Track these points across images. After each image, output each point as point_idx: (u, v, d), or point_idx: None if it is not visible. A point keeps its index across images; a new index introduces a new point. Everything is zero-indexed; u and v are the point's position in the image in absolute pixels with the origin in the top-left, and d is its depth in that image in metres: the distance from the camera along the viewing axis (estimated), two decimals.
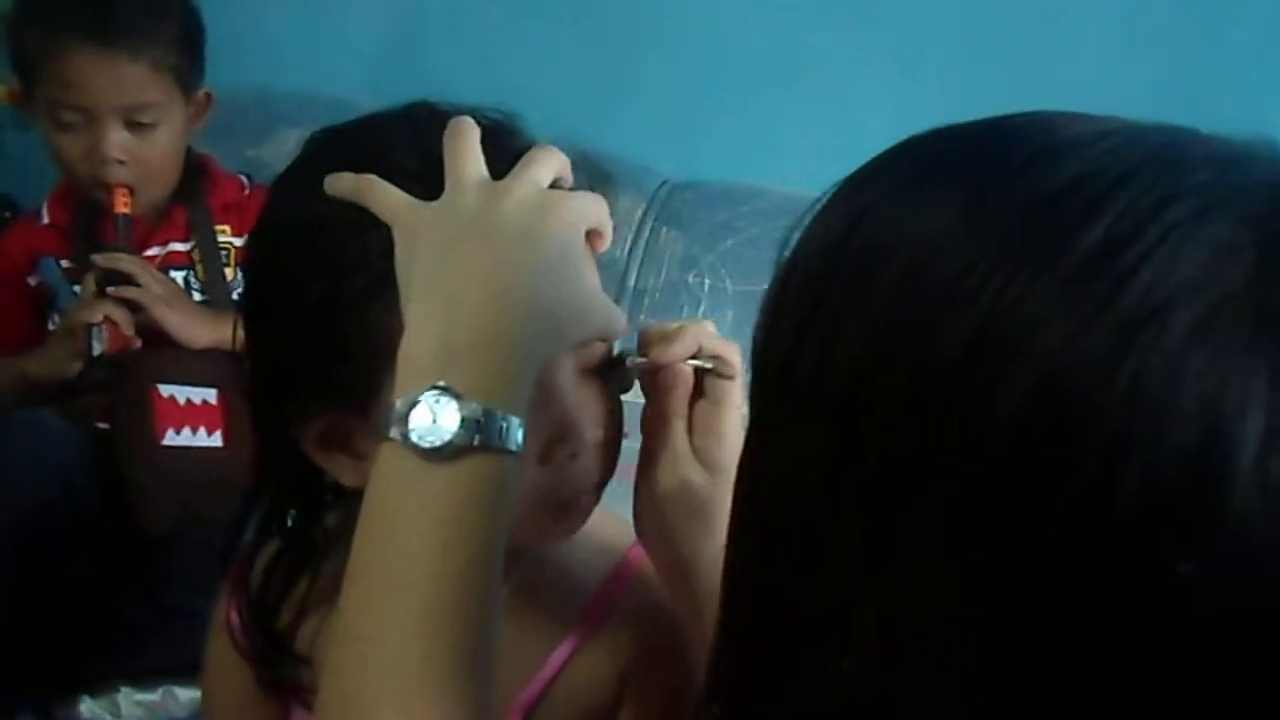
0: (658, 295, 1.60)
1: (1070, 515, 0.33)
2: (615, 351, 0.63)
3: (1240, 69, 1.63)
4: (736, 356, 0.62)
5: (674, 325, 0.62)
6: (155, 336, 1.32)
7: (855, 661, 0.37)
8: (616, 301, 1.58)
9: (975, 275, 0.34)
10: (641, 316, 1.60)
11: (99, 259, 1.32)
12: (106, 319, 1.28)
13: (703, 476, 0.60)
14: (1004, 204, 0.36)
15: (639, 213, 1.67)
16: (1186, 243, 0.33)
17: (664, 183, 1.71)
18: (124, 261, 1.31)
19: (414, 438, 0.50)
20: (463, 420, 0.50)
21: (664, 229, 1.65)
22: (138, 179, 1.34)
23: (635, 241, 1.65)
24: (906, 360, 0.35)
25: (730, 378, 0.61)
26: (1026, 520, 0.33)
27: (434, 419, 0.50)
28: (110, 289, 1.30)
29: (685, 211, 1.66)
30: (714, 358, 0.61)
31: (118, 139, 1.31)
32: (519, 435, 0.52)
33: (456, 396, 0.50)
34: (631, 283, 1.63)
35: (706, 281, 1.59)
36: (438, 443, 0.50)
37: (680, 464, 0.60)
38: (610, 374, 0.62)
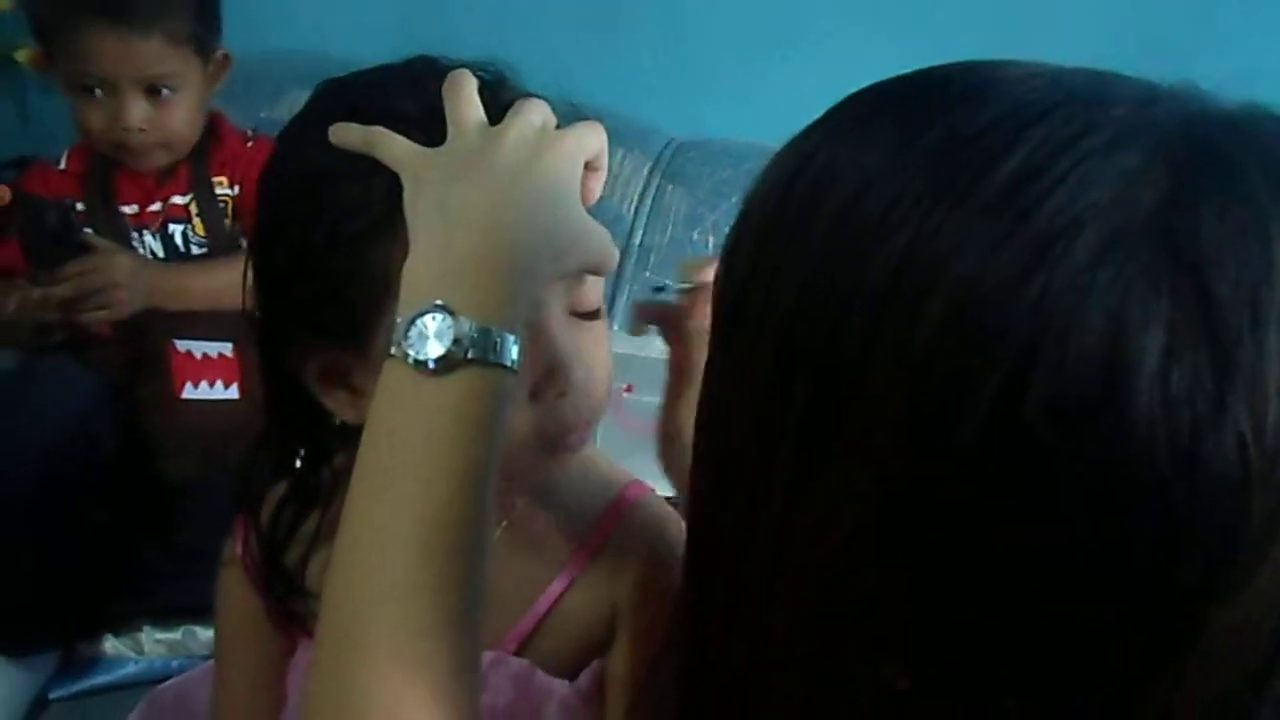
0: (663, 252, 1.62)
1: (982, 423, 0.35)
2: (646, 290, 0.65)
3: (1232, 21, 1.62)
4: None
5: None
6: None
7: (790, 579, 0.40)
8: (621, 259, 1.61)
9: (901, 208, 0.37)
10: (647, 274, 1.61)
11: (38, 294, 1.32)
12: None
13: None
14: (930, 141, 0.38)
15: (645, 171, 1.68)
16: (1098, 170, 0.35)
17: (669, 141, 1.72)
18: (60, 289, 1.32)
19: (411, 353, 0.52)
20: (457, 336, 0.52)
21: (669, 187, 1.66)
22: (160, 144, 1.37)
23: (641, 199, 1.66)
24: (838, 293, 0.38)
25: None
26: (943, 430, 0.35)
27: (431, 335, 0.52)
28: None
29: (690, 169, 1.67)
30: None
31: (138, 108, 1.34)
32: (514, 351, 0.53)
33: (453, 313, 0.52)
34: (637, 240, 1.64)
35: (711, 239, 1.60)
36: (434, 356, 0.52)
37: None
38: (596, 315, 0.64)
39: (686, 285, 0.63)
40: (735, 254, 0.43)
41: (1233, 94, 0.39)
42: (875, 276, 0.37)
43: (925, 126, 0.38)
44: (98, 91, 1.33)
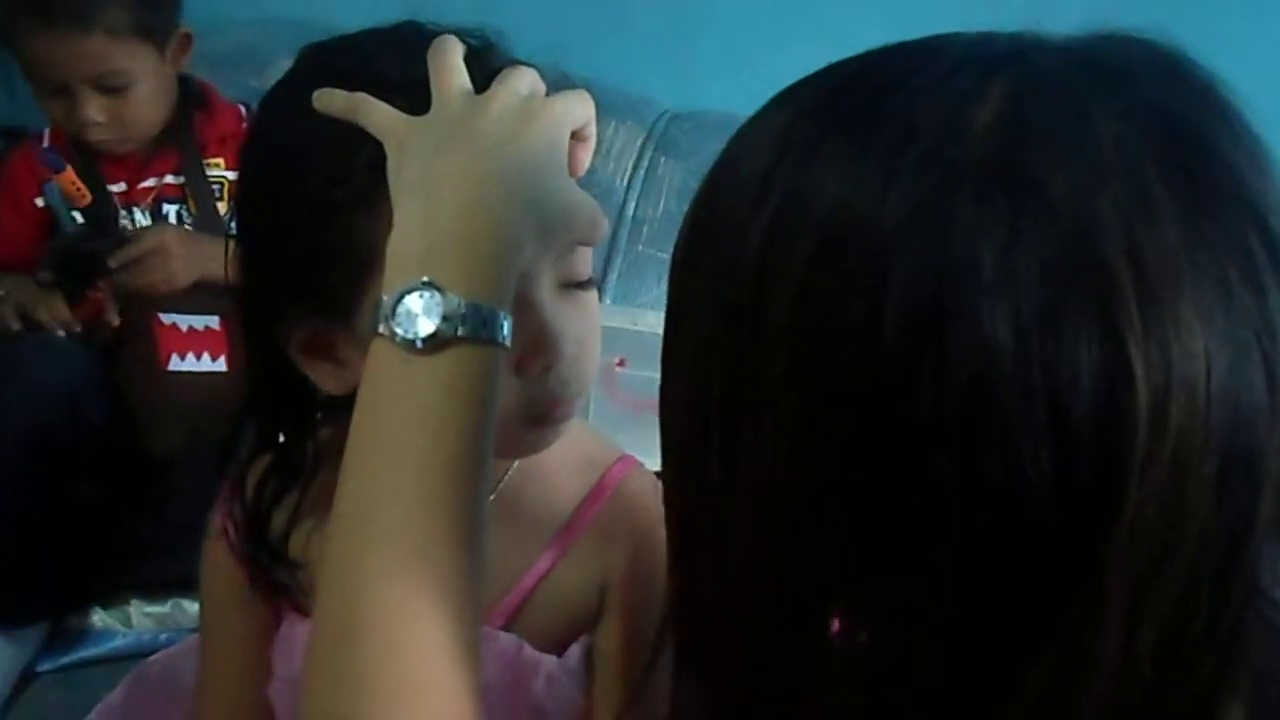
0: (656, 225, 1.60)
1: (856, 348, 0.37)
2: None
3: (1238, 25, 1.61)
4: None
5: None
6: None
7: (738, 534, 0.42)
8: (614, 230, 1.60)
9: (782, 166, 0.39)
10: (640, 246, 1.60)
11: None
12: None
13: None
14: (814, 96, 0.41)
15: (638, 142, 1.66)
16: (932, 97, 0.38)
17: (663, 113, 1.71)
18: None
19: (399, 331, 0.51)
20: (446, 313, 0.51)
21: (663, 159, 1.65)
22: (121, 132, 1.36)
23: (634, 171, 1.64)
24: (728, 252, 0.40)
25: None
26: (824, 363, 0.37)
27: (418, 312, 0.51)
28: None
29: (684, 141, 1.66)
30: None
31: (93, 105, 1.33)
32: (505, 327, 0.53)
33: (439, 290, 0.51)
34: (630, 212, 1.62)
35: None
36: (423, 335, 0.51)
37: None
38: (584, 287, 0.63)
39: None
40: (679, 245, 0.45)
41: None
42: (758, 226, 0.39)
43: (811, 91, 0.42)
44: (52, 90, 1.33)
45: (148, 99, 1.36)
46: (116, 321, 1.35)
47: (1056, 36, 0.41)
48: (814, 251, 0.38)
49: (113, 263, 1.32)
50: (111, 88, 1.33)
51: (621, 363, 1.14)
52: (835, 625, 0.42)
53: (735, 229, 0.40)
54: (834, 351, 0.37)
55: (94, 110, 1.33)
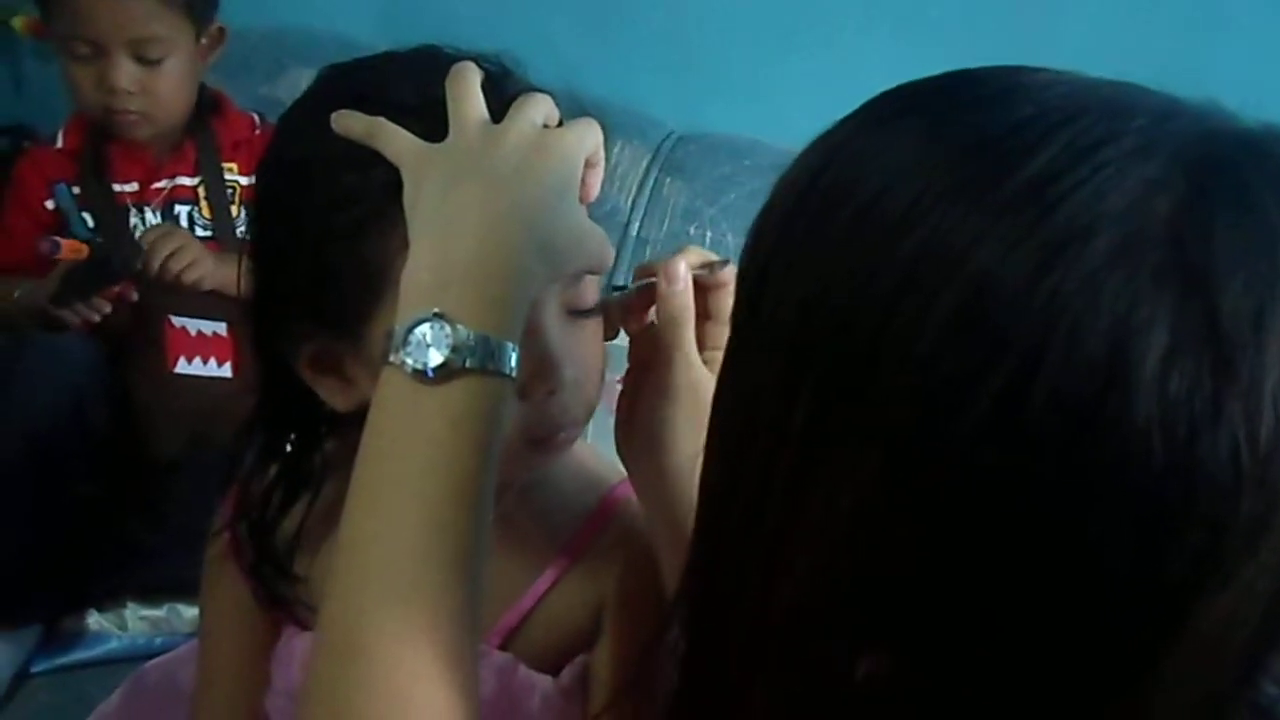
0: (659, 245, 1.61)
1: (985, 418, 0.36)
2: (605, 290, 0.66)
3: (1244, 22, 1.63)
4: (729, 267, 0.64)
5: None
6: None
7: (792, 565, 0.41)
8: (618, 251, 1.61)
9: (923, 204, 0.37)
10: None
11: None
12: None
13: (709, 384, 0.61)
14: (956, 140, 0.39)
15: (644, 163, 1.67)
16: (1117, 177, 0.36)
17: (669, 134, 1.72)
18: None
19: (409, 361, 0.53)
20: (455, 345, 0.52)
21: (668, 180, 1.66)
22: (147, 108, 1.37)
23: (639, 192, 1.65)
24: (854, 283, 0.38)
25: (723, 283, 0.64)
26: (946, 422, 0.36)
27: (428, 343, 0.52)
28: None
29: (689, 163, 1.67)
30: (707, 263, 0.64)
31: (127, 70, 1.33)
32: (512, 359, 0.54)
33: (450, 322, 0.52)
34: (634, 232, 1.63)
35: (708, 234, 1.60)
36: (432, 365, 0.52)
37: (691, 366, 0.63)
38: (589, 314, 0.64)
39: (642, 283, 0.64)
40: (758, 243, 0.44)
41: (1236, 97, 0.40)
42: (892, 268, 0.37)
43: (952, 125, 0.39)
44: (89, 53, 1.33)
45: (178, 79, 1.37)
46: (135, 296, 1.35)
47: (1238, 124, 0.39)
48: (957, 310, 0.36)
49: (139, 264, 1.32)
50: (146, 57, 1.34)
51: (623, 380, 1.14)
52: (879, 673, 0.41)
53: (867, 246, 0.38)
54: (961, 413, 0.36)
55: (125, 78, 1.33)
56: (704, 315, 0.64)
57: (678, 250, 0.65)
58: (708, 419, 0.60)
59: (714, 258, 0.65)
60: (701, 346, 0.64)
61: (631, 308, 0.66)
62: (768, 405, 0.41)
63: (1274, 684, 0.38)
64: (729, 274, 0.64)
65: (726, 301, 0.64)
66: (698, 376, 0.62)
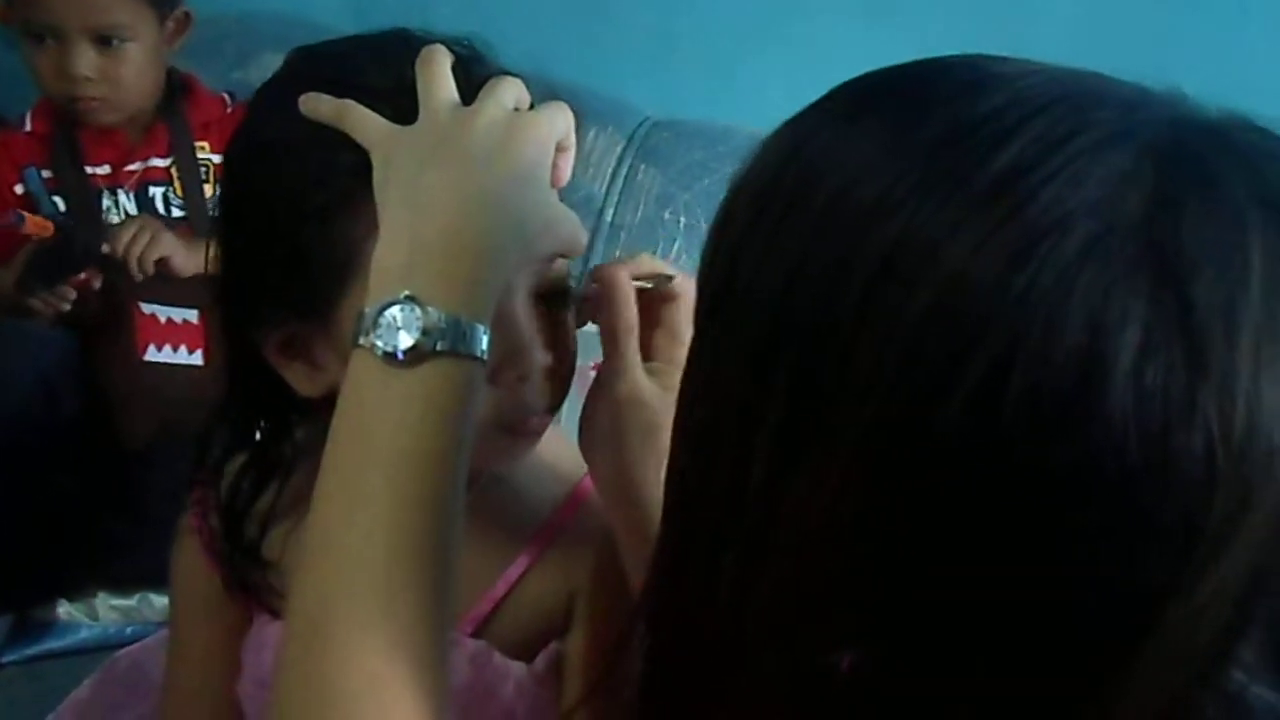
0: (634, 231, 1.61)
1: (960, 410, 0.36)
2: (578, 276, 0.65)
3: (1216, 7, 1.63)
4: (684, 280, 0.64)
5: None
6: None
7: (768, 558, 0.40)
8: (592, 237, 1.61)
9: (895, 195, 0.37)
10: (618, 252, 1.60)
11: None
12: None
13: (656, 394, 0.62)
14: (924, 133, 0.38)
15: (618, 149, 1.66)
16: (1088, 169, 0.36)
17: (644, 120, 1.71)
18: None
19: (380, 344, 0.52)
20: (425, 327, 0.52)
21: (642, 166, 1.65)
22: (109, 95, 1.36)
23: (614, 178, 1.64)
24: (828, 274, 0.38)
25: (671, 297, 0.64)
26: (922, 414, 0.36)
27: (399, 326, 0.52)
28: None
29: (664, 149, 1.66)
30: (653, 276, 0.64)
31: (87, 57, 1.32)
32: (483, 341, 0.54)
33: (421, 304, 0.52)
34: (609, 218, 1.63)
35: (682, 219, 1.59)
36: (403, 348, 0.52)
37: (634, 375, 0.62)
38: (561, 300, 0.64)
39: (592, 286, 0.64)
40: (724, 231, 0.43)
41: (1201, 85, 0.40)
42: (866, 260, 0.37)
43: (922, 115, 0.39)
44: (49, 40, 1.31)
45: (140, 65, 1.36)
46: (98, 284, 1.33)
47: (1203, 113, 0.39)
48: (933, 303, 0.36)
49: (106, 249, 1.30)
50: (107, 41, 1.32)
51: (596, 366, 1.14)
52: (853, 670, 0.41)
53: (840, 237, 0.38)
54: (937, 406, 0.36)
55: (85, 65, 1.32)
56: (654, 324, 0.64)
57: (628, 258, 0.65)
58: (653, 427, 0.61)
59: (666, 270, 0.65)
60: (651, 356, 0.64)
61: (581, 309, 0.65)
62: (737, 405, 0.41)
63: (1243, 671, 0.38)
64: (680, 286, 0.64)
65: (677, 313, 0.64)
66: (637, 386, 0.62)
